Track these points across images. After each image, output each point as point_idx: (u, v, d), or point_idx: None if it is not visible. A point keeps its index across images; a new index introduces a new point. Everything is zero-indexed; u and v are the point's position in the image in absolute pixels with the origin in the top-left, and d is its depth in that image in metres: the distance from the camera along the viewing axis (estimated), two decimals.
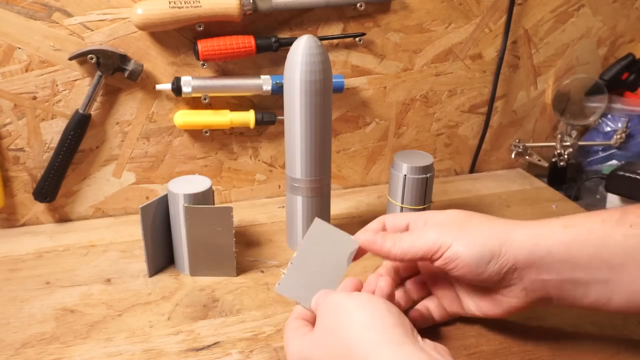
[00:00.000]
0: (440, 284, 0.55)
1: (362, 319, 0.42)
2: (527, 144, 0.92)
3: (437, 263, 0.49)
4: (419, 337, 0.42)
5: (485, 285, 0.49)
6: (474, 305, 0.53)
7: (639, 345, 0.54)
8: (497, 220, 0.49)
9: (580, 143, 0.91)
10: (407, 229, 0.53)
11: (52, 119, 0.71)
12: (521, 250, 0.46)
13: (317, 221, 0.54)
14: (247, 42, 0.71)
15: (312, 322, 0.49)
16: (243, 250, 0.70)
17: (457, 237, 0.47)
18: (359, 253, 0.53)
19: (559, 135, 0.91)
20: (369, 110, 0.83)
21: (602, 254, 0.45)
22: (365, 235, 0.52)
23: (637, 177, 0.76)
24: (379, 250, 0.51)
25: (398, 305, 0.49)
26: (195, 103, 0.75)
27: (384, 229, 0.54)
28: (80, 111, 0.70)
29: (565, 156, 0.90)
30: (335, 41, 0.77)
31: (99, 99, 0.72)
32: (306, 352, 0.45)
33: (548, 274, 0.46)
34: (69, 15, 0.67)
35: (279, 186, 0.84)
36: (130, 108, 0.73)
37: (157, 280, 0.64)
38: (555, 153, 0.91)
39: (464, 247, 0.47)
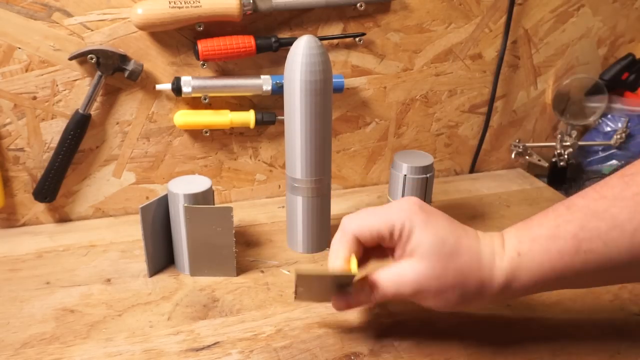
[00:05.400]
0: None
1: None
2: (527, 144, 0.92)
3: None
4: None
5: None
6: None
7: (639, 345, 0.54)
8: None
9: (580, 143, 0.91)
10: (378, 238, 0.50)
11: (52, 119, 0.71)
12: None
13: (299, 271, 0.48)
14: (247, 42, 0.71)
15: None
16: (243, 250, 0.70)
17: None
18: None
19: (559, 135, 0.91)
20: (369, 110, 0.83)
21: (564, 283, 0.48)
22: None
23: None
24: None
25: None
26: (195, 103, 0.75)
27: (357, 246, 0.51)
28: (80, 111, 0.70)
29: (565, 156, 0.90)
30: (335, 41, 0.77)
31: (99, 99, 0.72)
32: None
33: None
34: (69, 15, 0.67)
35: (279, 186, 0.84)
36: (130, 108, 0.73)
37: (157, 280, 0.64)
38: (555, 153, 0.91)
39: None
